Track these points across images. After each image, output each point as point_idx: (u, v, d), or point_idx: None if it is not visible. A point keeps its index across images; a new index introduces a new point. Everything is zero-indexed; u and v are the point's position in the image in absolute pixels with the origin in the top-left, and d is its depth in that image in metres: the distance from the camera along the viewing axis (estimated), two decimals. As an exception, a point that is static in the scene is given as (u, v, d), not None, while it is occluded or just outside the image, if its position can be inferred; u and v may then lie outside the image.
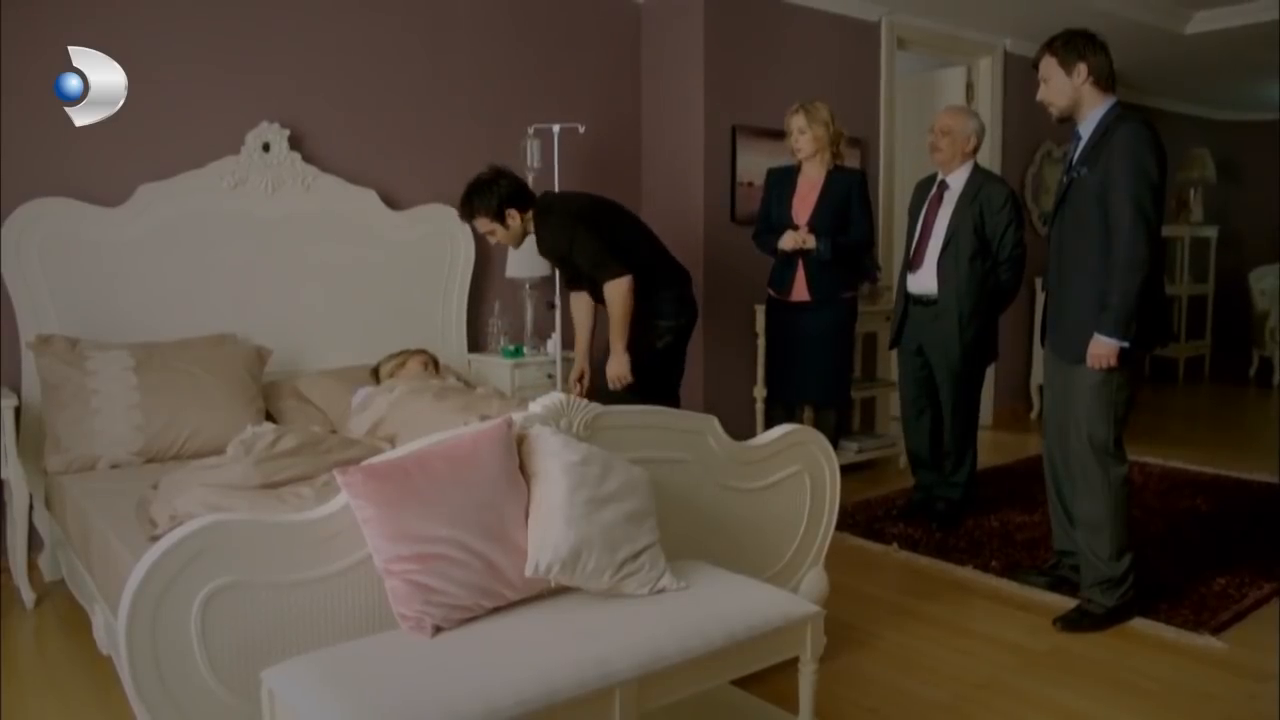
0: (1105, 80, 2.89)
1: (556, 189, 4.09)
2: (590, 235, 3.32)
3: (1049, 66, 2.94)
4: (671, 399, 3.52)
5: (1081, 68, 2.87)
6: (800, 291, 3.94)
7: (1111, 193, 2.80)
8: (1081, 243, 2.91)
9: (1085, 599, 3.03)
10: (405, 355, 3.75)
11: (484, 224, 3.42)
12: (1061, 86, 2.91)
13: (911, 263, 3.92)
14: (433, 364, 3.77)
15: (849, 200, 3.88)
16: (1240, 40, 6.10)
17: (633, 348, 3.39)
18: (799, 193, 3.93)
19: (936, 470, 4.08)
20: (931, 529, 3.93)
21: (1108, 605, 2.98)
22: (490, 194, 3.37)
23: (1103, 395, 2.89)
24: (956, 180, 3.86)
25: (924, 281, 3.87)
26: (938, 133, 3.86)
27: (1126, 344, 2.81)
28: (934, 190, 3.92)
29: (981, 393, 4.08)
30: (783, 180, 4.01)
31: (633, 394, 3.33)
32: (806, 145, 3.85)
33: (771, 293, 4.07)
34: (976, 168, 3.90)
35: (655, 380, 3.44)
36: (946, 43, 5.79)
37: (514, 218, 3.38)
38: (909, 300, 3.96)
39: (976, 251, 3.77)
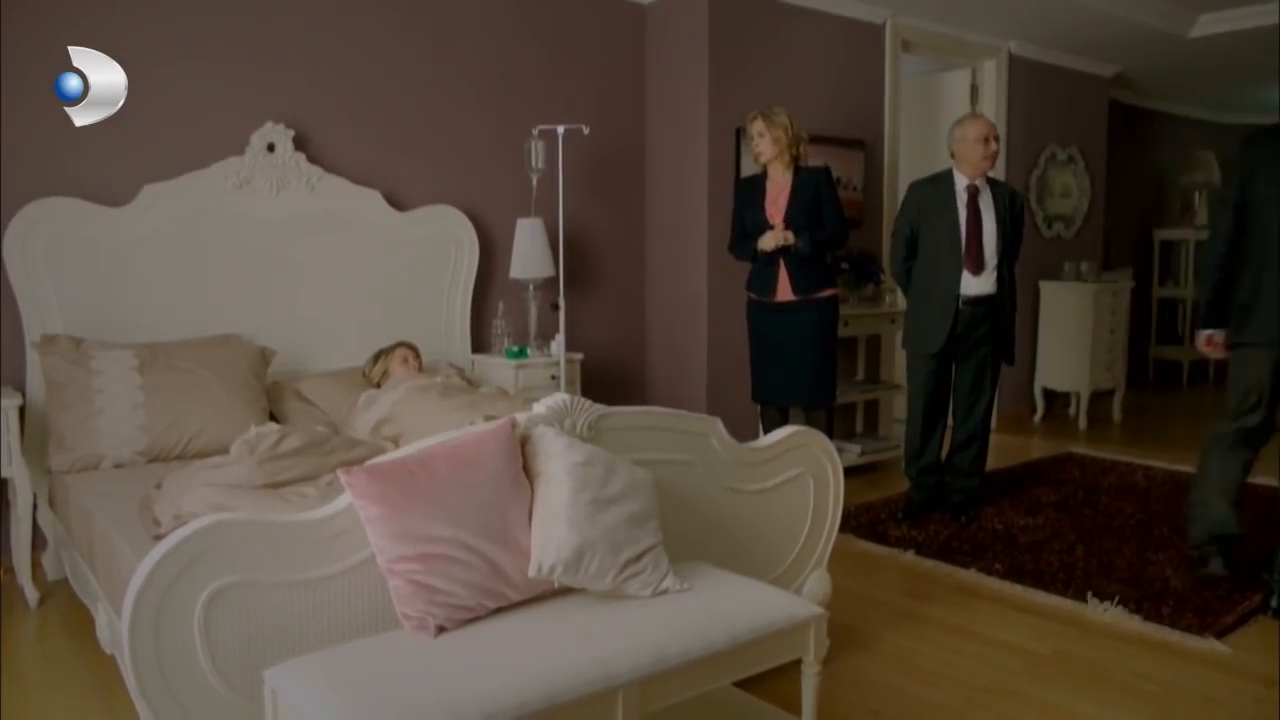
0: None
1: (561, 191, 4.09)
2: None
3: None
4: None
5: None
6: (785, 292, 3.95)
7: None
8: None
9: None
10: (385, 360, 3.70)
11: None
12: None
13: (970, 266, 3.90)
14: (414, 356, 3.74)
15: (818, 197, 3.92)
16: (1245, 43, 6.08)
17: None
18: (769, 196, 3.96)
19: (939, 474, 4.10)
20: (930, 531, 3.93)
21: None
22: None
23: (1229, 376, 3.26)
24: (984, 184, 3.98)
25: (985, 284, 3.93)
26: (996, 140, 3.98)
27: (1206, 330, 3.25)
28: (966, 195, 3.95)
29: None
30: (751, 187, 4.06)
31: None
32: (767, 148, 3.90)
33: (753, 296, 4.08)
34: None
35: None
36: (951, 45, 5.78)
37: None
38: (959, 302, 3.94)
39: (1007, 250, 3.99)
